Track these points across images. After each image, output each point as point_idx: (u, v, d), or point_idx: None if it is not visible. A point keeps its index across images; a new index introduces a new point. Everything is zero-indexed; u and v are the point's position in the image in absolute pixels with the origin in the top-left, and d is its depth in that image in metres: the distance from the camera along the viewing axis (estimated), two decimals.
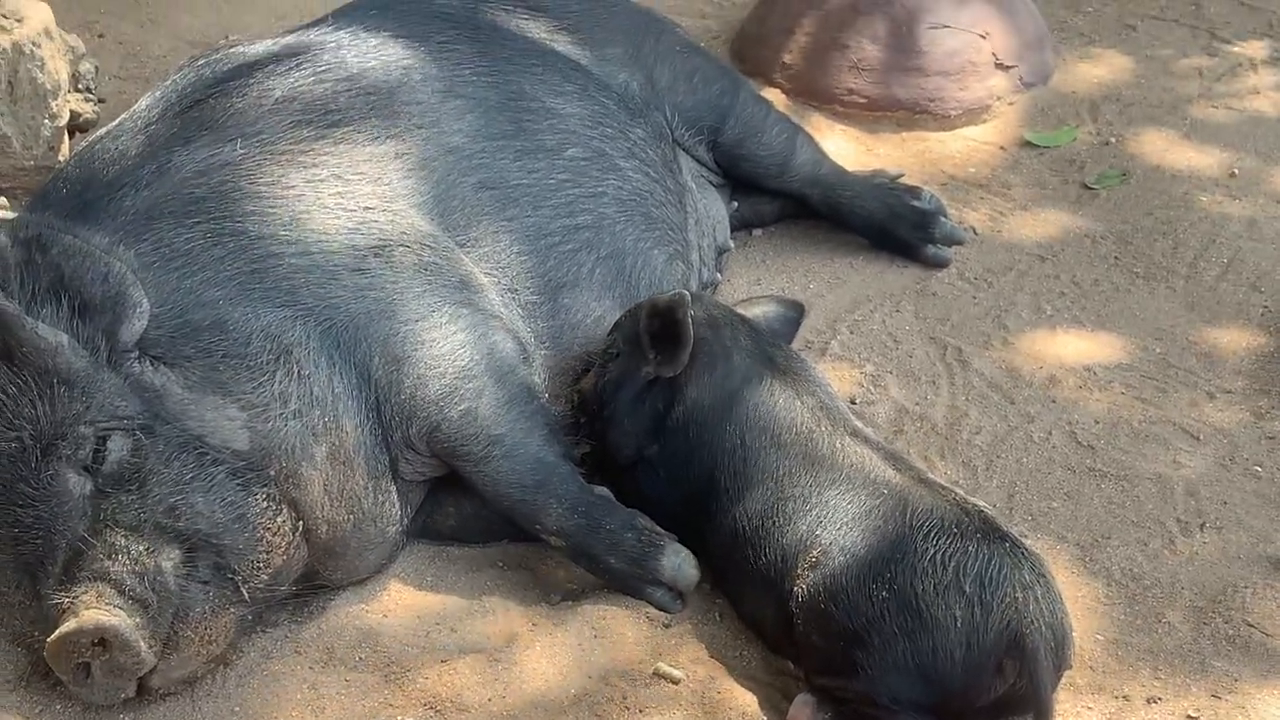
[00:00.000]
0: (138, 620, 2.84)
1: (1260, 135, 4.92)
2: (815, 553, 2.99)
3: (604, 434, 3.44)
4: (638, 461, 3.42)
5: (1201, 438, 3.73)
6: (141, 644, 2.83)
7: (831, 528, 3.01)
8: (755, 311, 3.57)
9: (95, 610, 2.82)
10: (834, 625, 2.90)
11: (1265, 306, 4.16)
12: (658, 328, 3.31)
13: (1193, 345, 4.04)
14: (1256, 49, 5.42)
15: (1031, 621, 2.79)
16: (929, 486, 3.03)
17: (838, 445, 3.16)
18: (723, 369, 3.32)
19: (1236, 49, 5.43)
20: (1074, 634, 2.91)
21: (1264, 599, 3.26)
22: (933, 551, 2.86)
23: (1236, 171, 4.73)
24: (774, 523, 3.09)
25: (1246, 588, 3.29)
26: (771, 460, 3.17)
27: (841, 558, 2.94)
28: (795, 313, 3.67)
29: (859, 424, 3.28)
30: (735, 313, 3.48)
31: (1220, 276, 4.29)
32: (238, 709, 3.02)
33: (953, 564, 2.83)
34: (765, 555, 3.09)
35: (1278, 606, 3.24)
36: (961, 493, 3.04)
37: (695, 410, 3.31)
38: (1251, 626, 3.20)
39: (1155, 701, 3.04)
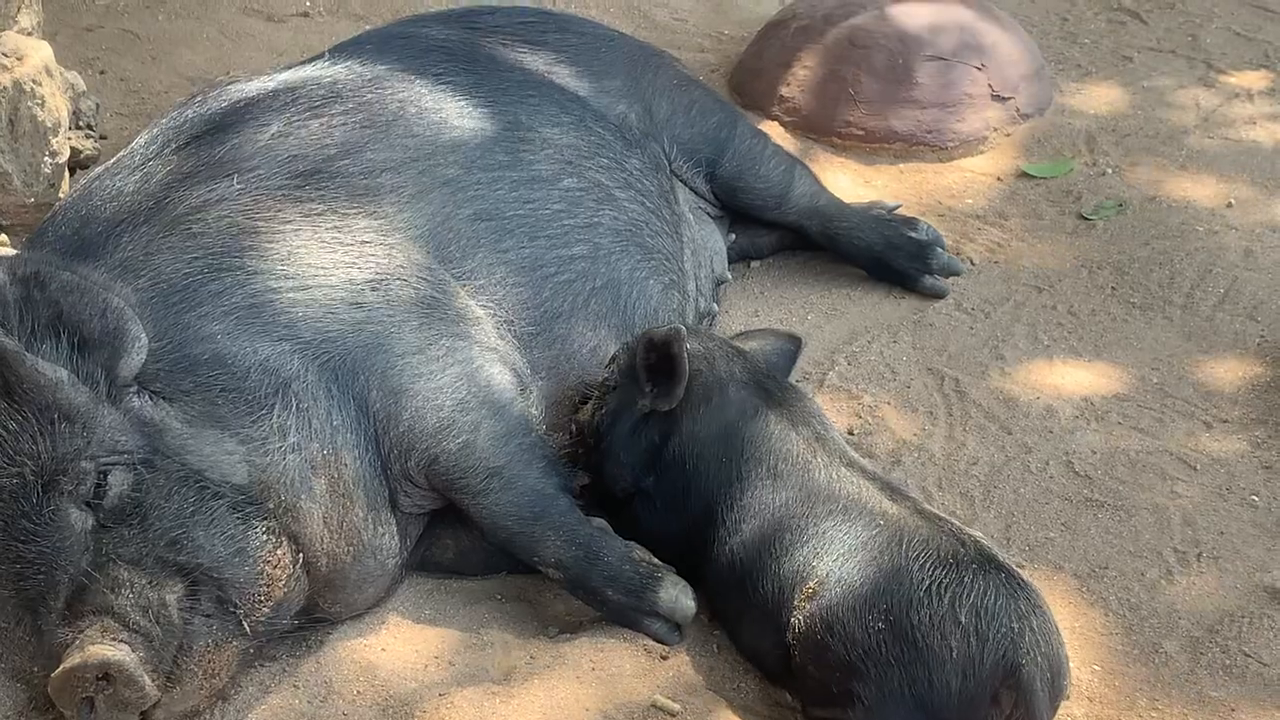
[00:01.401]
0: (142, 654, 2.85)
1: (1256, 165, 4.93)
2: (812, 584, 2.99)
3: (600, 466, 3.45)
4: (635, 494, 3.43)
5: (1198, 467, 3.73)
6: (146, 678, 2.84)
7: (828, 559, 3.01)
8: (752, 345, 3.58)
9: (100, 645, 2.82)
10: (831, 656, 2.90)
11: (1262, 336, 4.17)
12: (654, 361, 3.32)
13: (1189, 375, 4.05)
14: (1253, 80, 5.44)
15: (1027, 652, 2.79)
16: (925, 517, 3.03)
17: (834, 476, 3.16)
18: (718, 401, 3.33)
19: (1233, 80, 5.45)
20: (1071, 664, 2.92)
21: (1261, 629, 3.27)
22: (929, 582, 2.86)
23: (1233, 201, 4.75)
24: (771, 554, 3.10)
25: (1244, 617, 3.29)
26: (768, 492, 3.18)
27: (838, 589, 2.94)
28: (793, 345, 3.67)
29: (855, 455, 3.29)
30: (731, 345, 3.49)
31: (1217, 306, 4.30)
32: None
33: (948, 595, 2.84)
34: (763, 587, 3.09)
35: (1275, 636, 3.24)
36: (958, 523, 3.05)
37: (691, 443, 3.32)
38: (1249, 656, 3.20)
39: None
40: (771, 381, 3.41)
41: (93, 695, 2.82)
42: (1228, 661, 3.19)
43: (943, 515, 3.07)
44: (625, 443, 3.39)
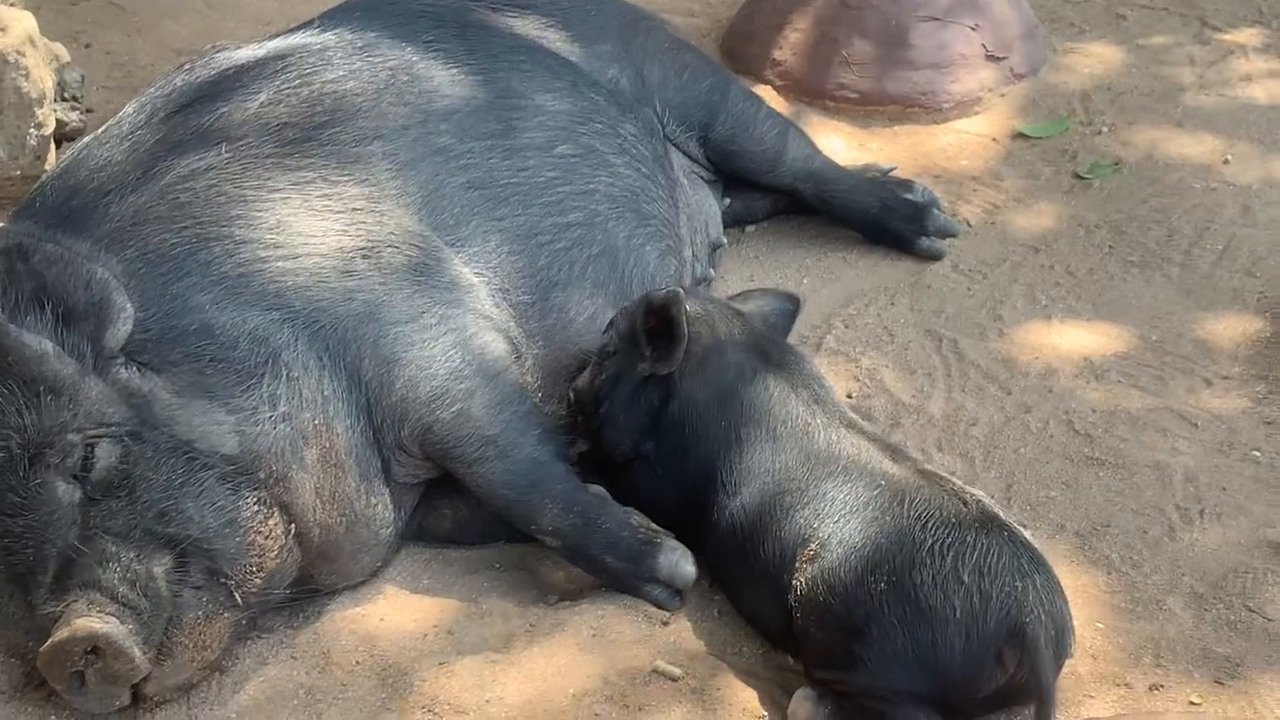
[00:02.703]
0: (130, 627, 2.83)
1: (1252, 121, 4.90)
2: (814, 545, 2.97)
3: (600, 432, 3.43)
4: (635, 459, 3.40)
5: (1199, 424, 3.70)
6: (136, 650, 2.82)
7: (829, 520, 2.98)
8: (751, 305, 3.55)
9: (88, 618, 2.80)
10: (833, 618, 2.88)
11: (1261, 292, 4.14)
12: (654, 325, 3.29)
13: (1189, 332, 4.02)
14: (1248, 36, 5.41)
15: (1031, 610, 2.76)
16: (927, 477, 3.01)
17: (834, 437, 3.14)
18: (717, 364, 3.30)
19: (1228, 37, 5.41)
20: (1074, 622, 2.89)
21: (1265, 584, 3.24)
22: (931, 542, 2.83)
23: (1230, 158, 4.72)
24: (771, 516, 3.07)
25: (1247, 573, 3.27)
26: (767, 454, 3.15)
27: (840, 550, 2.92)
28: (791, 305, 3.64)
29: (854, 416, 3.26)
30: (730, 307, 3.46)
31: (1215, 263, 4.27)
32: (234, 716, 3.01)
33: (951, 554, 2.81)
34: (764, 549, 3.07)
35: (1278, 591, 3.22)
36: (959, 482, 3.02)
37: (690, 406, 3.29)
38: (1253, 611, 3.18)
39: (1158, 688, 3.02)
40: (771, 344, 3.38)
41: (82, 669, 2.81)
42: (1232, 617, 3.17)
43: (944, 475, 3.05)
44: (625, 407, 3.36)
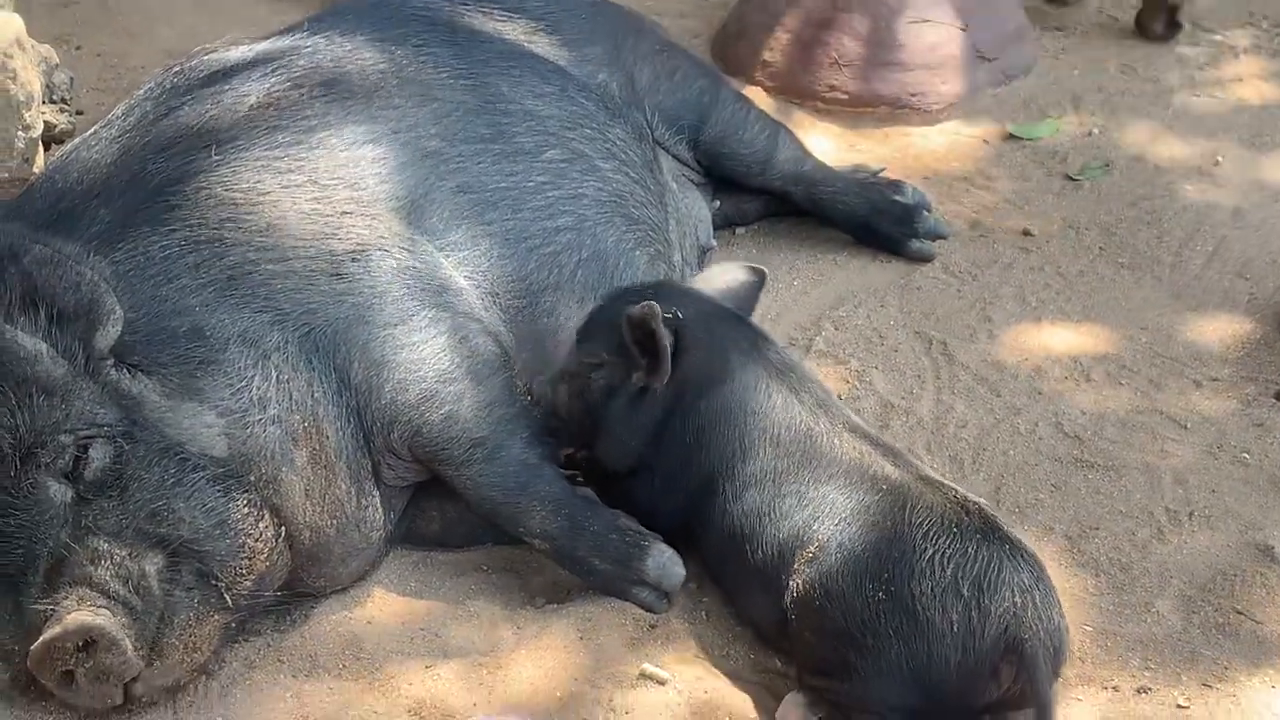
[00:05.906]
0: (123, 620, 2.82)
1: (1243, 123, 4.91)
2: (812, 548, 2.94)
3: (593, 444, 3.36)
4: (635, 468, 3.34)
5: (1189, 426, 3.71)
6: (128, 643, 2.81)
7: (829, 523, 2.96)
8: (719, 283, 3.45)
9: (79, 612, 2.80)
10: (828, 624, 2.86)
11: (1251, 294, 4.15)
12: (640, 337, 3.24)
13: (1179, 334, 4.03)
14: (1239, 37, 5.42)
15: (1029, 626, 2.74)
16: (929, 483, 2.98)
17: (836, 441, 3.10)
18: (720, 370, 3.24)
19: (1219, 38, 5.42)
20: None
21: (1253, 586, 3.25)
22: (931, 552, 2.81)
23: (1220, 160, 4.73)
24: (770, 519, 3.04)
25: (1235, 575, 3.27)
26: (769, 458, 3.11)
27: (839, 554, 2.90)
28: (757, 278, 3.50)
29: (858, 419, 3.23)
30: (727, 310, 3.37)
31: (1205, 265, 4.28)
32: (220, 718, 3.00)
33: (951, 565, 2.78)
34: (762, 551, 3.04)
35: (1267, 594, 3.22)
36: (961, 489, 2.99)
37: (693, 413, 3.22)
38: (1241, 614, 3.18)
39: (1145, 691, 3.02)
40: (770, 346, 3.33)
41: (73, 667, 2.80)
42: (1220, 620, 3.17)
43: (946, 481, 3.02)
44: (622, 419, 3.28)
